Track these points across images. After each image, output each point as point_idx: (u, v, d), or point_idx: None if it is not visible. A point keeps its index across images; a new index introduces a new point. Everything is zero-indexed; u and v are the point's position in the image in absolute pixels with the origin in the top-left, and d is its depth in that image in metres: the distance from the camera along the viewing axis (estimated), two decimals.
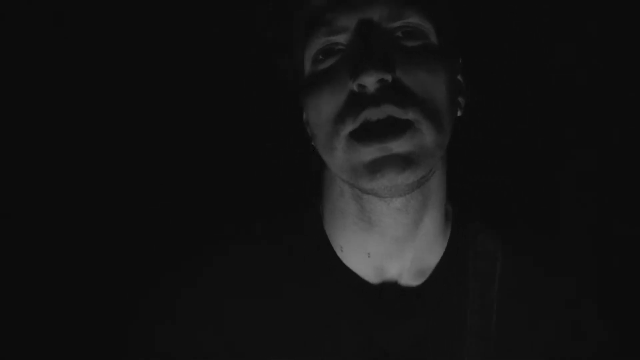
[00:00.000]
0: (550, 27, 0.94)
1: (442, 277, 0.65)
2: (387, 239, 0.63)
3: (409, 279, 0.65)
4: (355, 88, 0.55)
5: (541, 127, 0.94)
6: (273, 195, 0.85)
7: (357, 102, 0.55)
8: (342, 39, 0.58)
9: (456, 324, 0.64)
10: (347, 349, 0.63)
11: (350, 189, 0.62)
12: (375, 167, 0.55)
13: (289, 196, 0.78)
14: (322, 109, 0.58)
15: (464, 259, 0.67)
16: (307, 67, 0.61)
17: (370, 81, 0.54)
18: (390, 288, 0.65)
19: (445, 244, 0.67)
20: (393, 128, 0.54)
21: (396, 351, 0.63)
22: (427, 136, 0.56)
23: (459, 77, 0.65)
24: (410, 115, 0.55)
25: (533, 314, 0.66)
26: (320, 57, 0.59)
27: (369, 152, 0.55)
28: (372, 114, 0.55)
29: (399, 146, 0.55)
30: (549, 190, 0.93)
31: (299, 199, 0.73)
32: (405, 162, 0.55)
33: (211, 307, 0.66)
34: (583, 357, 0.65)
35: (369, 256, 0.64)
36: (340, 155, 0.58)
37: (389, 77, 0.54)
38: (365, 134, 0.55)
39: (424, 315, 0.64)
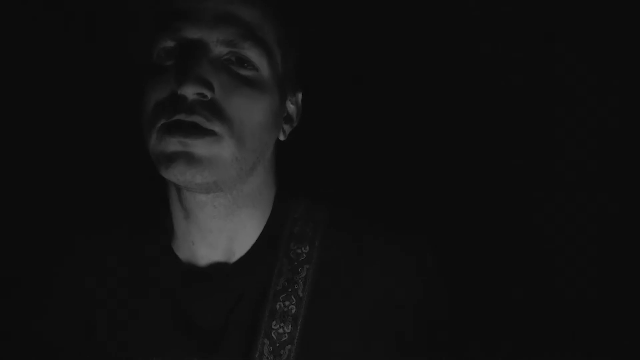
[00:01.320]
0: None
1: (250, 261, 0.73)
2: (202, 229, 0.72)
3: (223, 264, 0.74)
4: (179, 92, 0.64)
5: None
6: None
7: (175, 105, 0.65)
8: (180, 47, 0.66)
9: (262, 305, 0.71)
10: (166, 329, 0.71)
11: None
12: (171, 158, 0.64)
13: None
14: (147, 101, 0.67)
15: (278, 244, 0.74)
16: (149, 60, 0.70)
17: (189, 92, 0.64)
18: (207, 272, 0.73)
19: (259, 231, 0.75)
20: (196, 130, 0.64)
21: (206, 329, 0.70)
22: (225, 149, 0.66)
23: (288, 106, 0.76)
24: (214, 127, 0.65)
25: (347, 293, 0.71)
26: (160, 55, 0.68)
27: (172, 144, 0.64)
28: (184, 117, 0.64)
29: (195, 146, 0.64)
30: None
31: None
32: (196, 161, 0.64)
33: (59, 301, 0.76)
34: (403, 327, 0.71)
35: (193, 244, 0.73)
36: (152, 143, 0.66)
37: (207, 93, 0.64)
38: (173, 129, 0.64)
39: (228, 296, 0.72)
